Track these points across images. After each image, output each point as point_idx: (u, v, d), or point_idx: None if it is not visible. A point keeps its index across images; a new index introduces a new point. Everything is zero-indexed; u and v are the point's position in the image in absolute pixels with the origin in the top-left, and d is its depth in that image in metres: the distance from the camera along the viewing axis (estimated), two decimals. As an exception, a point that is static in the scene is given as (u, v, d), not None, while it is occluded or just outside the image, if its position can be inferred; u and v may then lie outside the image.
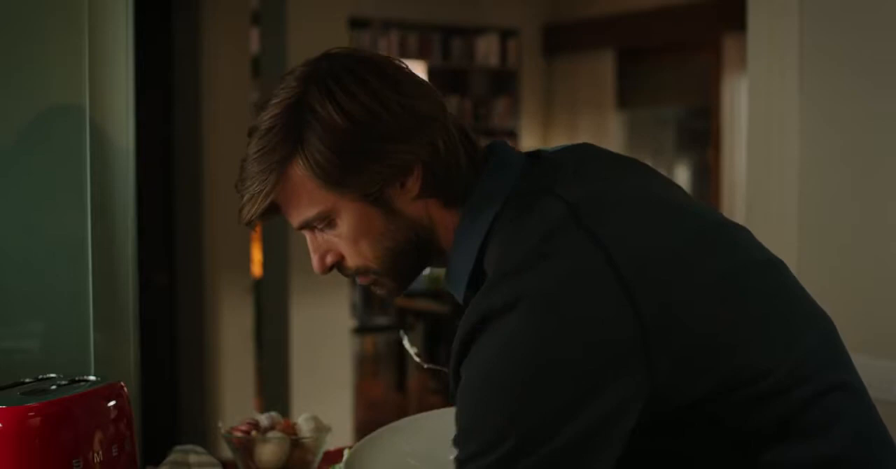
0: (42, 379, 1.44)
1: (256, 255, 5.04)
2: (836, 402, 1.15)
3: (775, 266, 1.24)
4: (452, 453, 1.14)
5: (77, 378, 1.43)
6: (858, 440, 1.16)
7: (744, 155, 2.86)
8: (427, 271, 1.32)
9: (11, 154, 1.70)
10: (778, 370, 1.12)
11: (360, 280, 1.27)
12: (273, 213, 1.23)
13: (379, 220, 1.22)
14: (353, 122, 1.17)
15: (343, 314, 4.77)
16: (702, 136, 7.28)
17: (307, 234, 1.26)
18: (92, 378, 1.44)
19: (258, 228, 1.27)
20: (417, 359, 1.58)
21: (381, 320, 7.47)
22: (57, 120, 1.73)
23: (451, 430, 1.17)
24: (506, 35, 7.79)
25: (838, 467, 1.13)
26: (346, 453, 1.72)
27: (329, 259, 1.25)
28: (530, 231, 1.14)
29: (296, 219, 1.23)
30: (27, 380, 1.43)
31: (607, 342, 1.07)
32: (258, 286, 4.94)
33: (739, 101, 6.51)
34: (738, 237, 1.23)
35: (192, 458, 1.63)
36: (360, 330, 7.05)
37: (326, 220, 1.22)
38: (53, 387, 1.39)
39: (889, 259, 2.23)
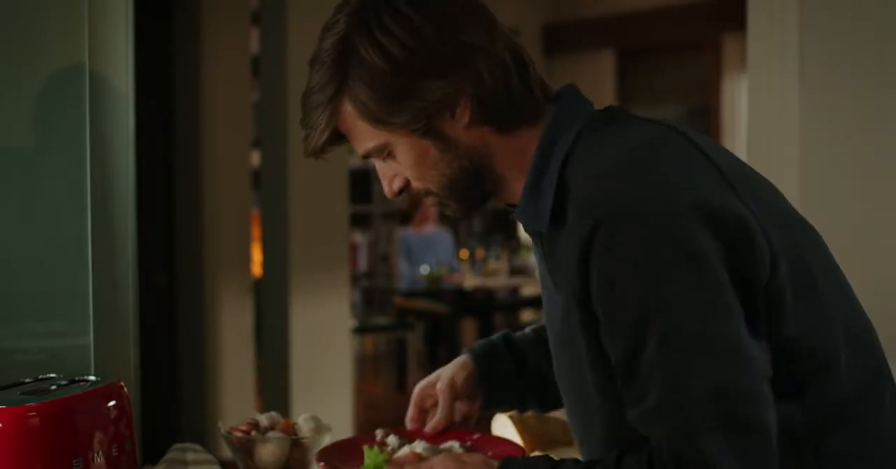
0: (42, 379, 1.44)
1: (256, 255, 5.03)
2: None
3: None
4: None
5: (77, 378, 1.43)
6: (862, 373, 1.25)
7: (744, 155, 2.86)
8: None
9: (10, 154, 1.70)
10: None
11: (427, 201, 1.32)
12: (338, 141, 1.28)
13: (433, 150, 1.25)
14: (391, 62, 1.20)
15: (343, 314, 4.76)
16: (702, 135, 7.27)
17: (375, 161, 1.30)
18: (92, 378, 1.43)
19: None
20: None
21: (381, 320, 7.46)
22: (55, 122, 1.73)
23: None
24: (506, 35, 7.77)
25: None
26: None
27: (396, 184, 1.30)
28: (629, 138, 1.22)
29: (358, 149, 1.28)
30: (27, 380, 1.43)
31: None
32: (258, 286, 4.94)
33: (739, 101, 6.50)
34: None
35: (190, 456, 1.63)
36: (360, 330, 7.04)
37: (384, 153, 1.27)
38: (53, 387, 1.39)
39: (890, 258, 2.23)
